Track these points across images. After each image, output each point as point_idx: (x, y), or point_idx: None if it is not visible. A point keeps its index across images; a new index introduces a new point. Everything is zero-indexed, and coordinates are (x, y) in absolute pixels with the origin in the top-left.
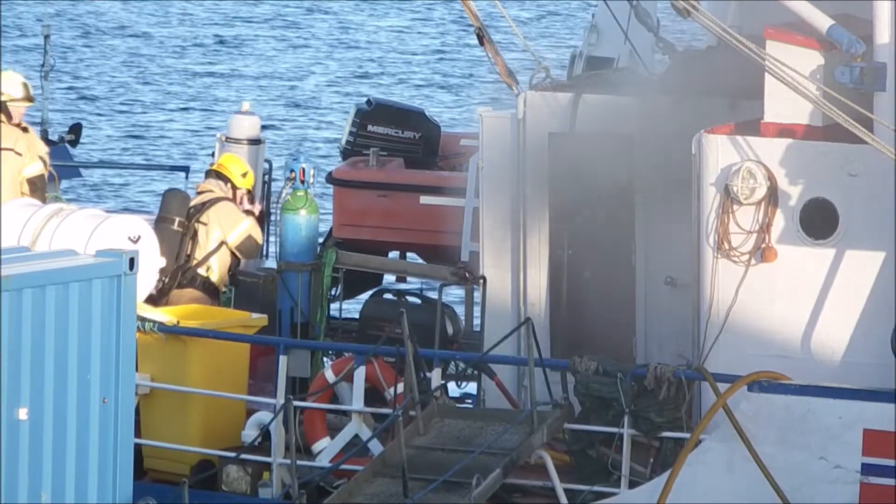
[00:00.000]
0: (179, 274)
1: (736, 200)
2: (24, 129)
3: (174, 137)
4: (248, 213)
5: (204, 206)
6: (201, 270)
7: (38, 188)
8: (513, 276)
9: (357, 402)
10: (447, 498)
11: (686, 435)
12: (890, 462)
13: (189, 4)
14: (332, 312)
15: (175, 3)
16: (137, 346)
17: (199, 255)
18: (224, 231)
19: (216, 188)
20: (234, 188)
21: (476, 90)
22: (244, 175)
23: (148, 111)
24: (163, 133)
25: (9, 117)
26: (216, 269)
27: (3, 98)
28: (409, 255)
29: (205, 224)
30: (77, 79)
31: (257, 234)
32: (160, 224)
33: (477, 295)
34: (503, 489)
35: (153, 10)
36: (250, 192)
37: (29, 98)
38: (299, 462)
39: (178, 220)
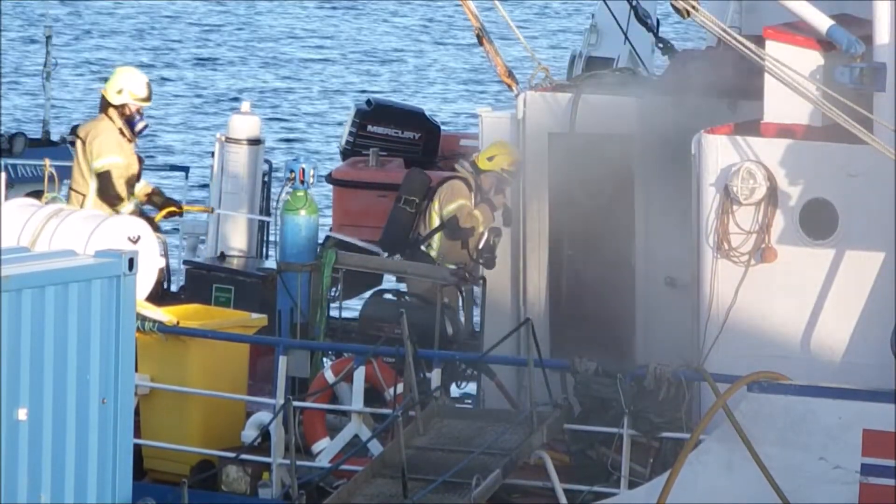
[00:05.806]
0: (408, 252)
1: (736, 201)
2: None
3: (174, 138)
4: (486, 199)
5: (439, 184)
6: (423, 247)
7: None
8: (512, 276)
9: (357, 402)
10: (447, 498)
11: (686, 435)
12: (890, 462)
13: (190, 4)
14: (331, 313)
15: (176, 3)
16: (137, 347)
17: (423, 232)
18: (441, 206)
19: (463, 168)
20: (479, 171)
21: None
22: (490, 159)
23: (148, 111)
24: (163, 133)
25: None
26: (435, 247)
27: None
28: None
29: (433, 202)
30: (78, 78)
31: (469, 217)
32: (395, 203)
33: (477, 295)
34: (503, 489)
35: (154, 9)
36: (505, 180)
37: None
38: (299, 462)
39: (403, 199)
